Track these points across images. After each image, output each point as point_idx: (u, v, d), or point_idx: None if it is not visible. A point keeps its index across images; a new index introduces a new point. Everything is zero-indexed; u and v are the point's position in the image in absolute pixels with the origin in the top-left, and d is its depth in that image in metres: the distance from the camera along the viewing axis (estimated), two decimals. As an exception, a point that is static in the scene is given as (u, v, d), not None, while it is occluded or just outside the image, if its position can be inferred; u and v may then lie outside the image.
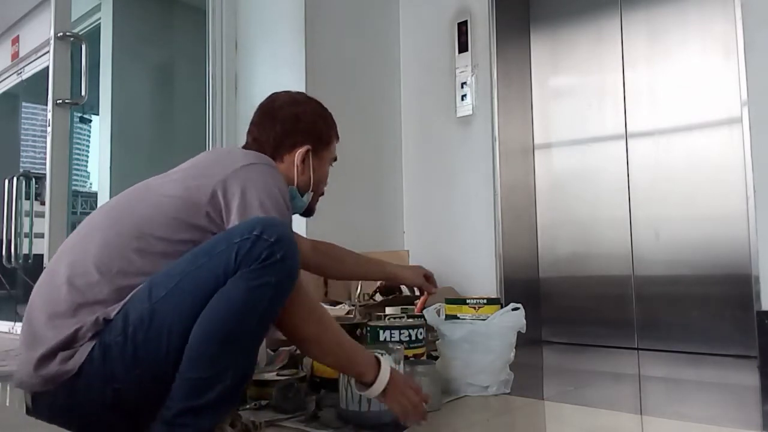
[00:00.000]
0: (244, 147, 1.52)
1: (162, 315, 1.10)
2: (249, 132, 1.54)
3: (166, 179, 1.33)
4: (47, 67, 2.63)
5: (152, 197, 1.27)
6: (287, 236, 1.16)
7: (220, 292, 1.10)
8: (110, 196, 3.91)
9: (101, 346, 1.11)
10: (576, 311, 2.95)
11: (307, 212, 1.62)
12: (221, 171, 1.27)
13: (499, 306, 1.96)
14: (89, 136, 6.10)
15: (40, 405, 1.16)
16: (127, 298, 1.14)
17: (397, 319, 1.95)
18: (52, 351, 1.11)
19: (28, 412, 1.17)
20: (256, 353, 1.21)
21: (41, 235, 3.96)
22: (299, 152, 1.50)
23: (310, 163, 1.52)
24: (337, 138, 1.62)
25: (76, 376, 1.10)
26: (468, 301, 2.04)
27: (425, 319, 1.83)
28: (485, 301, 2.02)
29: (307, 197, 1.56)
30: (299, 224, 2.72)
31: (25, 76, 4.61)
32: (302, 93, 1.64)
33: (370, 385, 1.27)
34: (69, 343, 1.11)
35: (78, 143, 6.39)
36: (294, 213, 1.47)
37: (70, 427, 1.18)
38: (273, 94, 1.60)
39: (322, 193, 1.63)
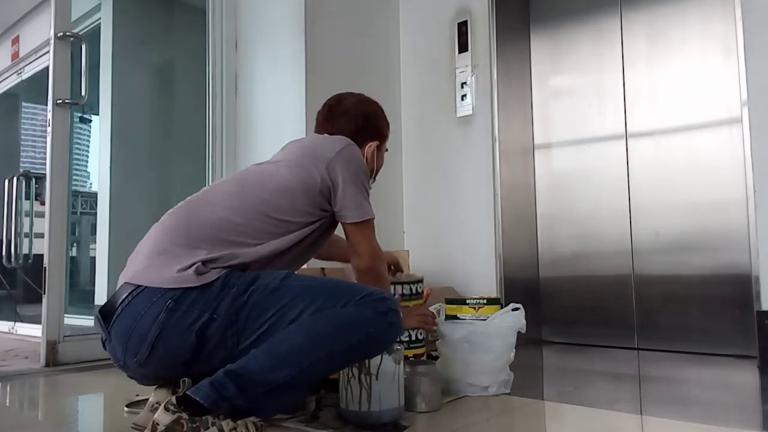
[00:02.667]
0: None
1: (282, 297, 1.30)
2: (321, 126, 1.75)
3: (278, 166, 1.54)
4: (47, 67, 2.63)
5: (271, 183, 1.48)
6: (397, 313, 1.38)
7: (342, 309, 1.30)
8: (110, 196, 3.93)
9: (225, 279, 1.31)
10: (576, 311, 2.95)
11: None
12: (325, 155, 1.52)
13: (499, 306, 1.96)
14: (89, 136, 6.09)
15: (136, 298, 1.31)
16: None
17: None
18: (192, 263, 1.31)
19: (118, 304, 1.32)
20: (327, 372, 1.38)
21: (41, 235, 3.96)
22: (369, 147, 1.73)
23: (375, 155, 1.74)
24: (389, 133, 1.85)
25: (195, 289, 1.28)
26: (468, 301, 2.04)
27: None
28: (485, 301, 2.02)
29: (371, 184, 1.71)
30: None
31: (25, 76, 4.61)
32: (363, 95, 1.83)
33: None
34: (207, 262, 1.32)
35: (78, 143, 6.38)
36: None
37: (140, 346, 1.29)
38: (338, 95, 1.80)
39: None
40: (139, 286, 1.31)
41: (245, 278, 1.32)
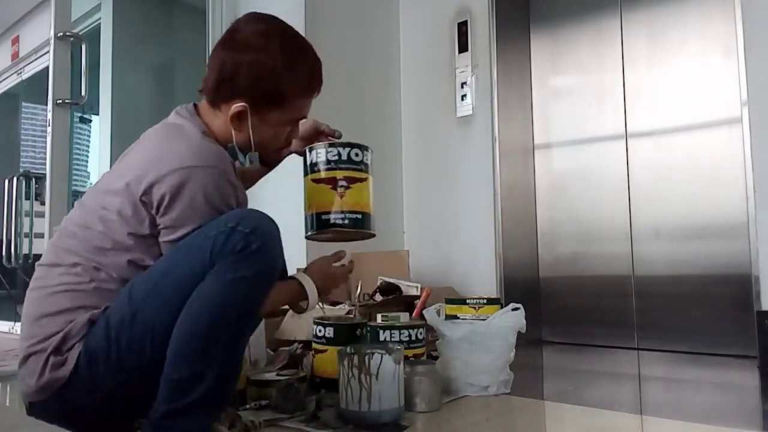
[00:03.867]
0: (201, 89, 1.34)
1: (143, 317, 1.08)
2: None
3: (110, 186, 1.22)
4: (47, 67, 2.63)
5: (97, 216, 1.18)
6: (266, 226, 1.14)
7: (197, 289, 1.07)
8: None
9: (87, 352, 1.08)
10: (576, 311, 2.95)
11: (265, 164, 1.46)
12: (154, 173, 1.15)
13: (499, 306, 1.96)
14: (89, 136, 6.10)
15: (36, 410, 1.16)
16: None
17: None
18: (46, 357, 1.09)
19: (29, 413, 1.17)
20: (240, 350, 1.17)
21: (41, 235, 3.96)
22: (234, 108, 1.27)
23: (248, 122, 1.28)
24: (311, 94, 1.38)
25: (66, 385, 1.08)
26: (468, 301, 2.04)
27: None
28: (485, 301, 2.02)
29: (251, 157, 1.34)
30: (296, 213, 2.72)
31: (25, 76, 4.61)
32: (274, 24, 1.38)
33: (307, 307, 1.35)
34: (59, 348, 1.09)
35: (78, 143, 6.38)
36: (243, 166, 1.33)
37: (69, 428, 1.18)
38: (247, 16, 1.36)
39: (285, 148, 1.44)
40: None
41: (99, 332, 1.09)
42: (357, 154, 1.46)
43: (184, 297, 1.08)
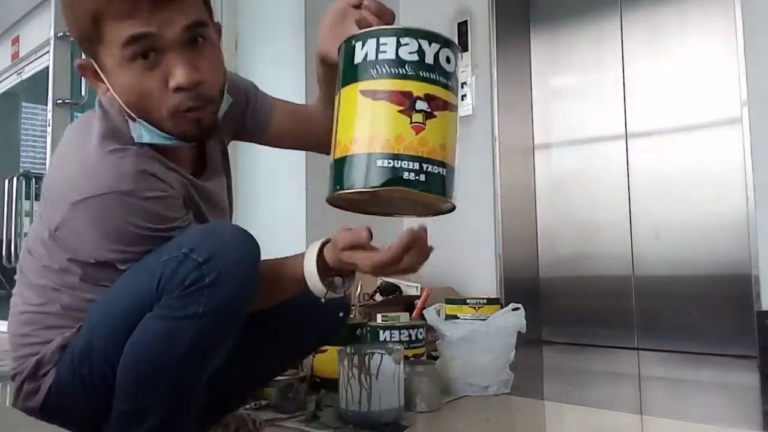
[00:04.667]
0: None
1: (97, 345, 0.97)
2: None
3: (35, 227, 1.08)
4: (47, 67, 2.64)
5: (39, 239, 1.04)
6: (228, 252, 0.91)
7: (143, 320, 0.93)
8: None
9: (57, 379, 1.01)
10: (576, 311, 2.95)
11: (187, 139, 0.99)
12: (54, 212, 0.96)
13: (499, 306, 1.96)
14: (89, 136, 6.09)
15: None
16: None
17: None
18: (21, 382, 1.04)
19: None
20: (193, 389, 0.99)
21: (41, 235, 3.97)
22: (77, 70, 1.01)
23: (102, 80, 0.96)
24: (121, 11, 0.88)
25: (42, 410, 1.03)
26: (468, 301, 2.04)
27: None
28: (485, 301, 2.02)
29: (144, 127, 0.96)
30: (298, 217, 2.72)
31: (25, 76, 4.61)
32: None
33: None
34: (34, 375, 1.02)
35: (78, 143, 6.40)
36: (168, 144, 0.98)
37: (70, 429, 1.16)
38: None
39: (191, 105, 0.93)
40: None
41: (66, 361, 1.01)
42: (449, 60, 0.83)
43: (133, 326, 0.94)
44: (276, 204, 2.87)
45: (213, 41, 0.98)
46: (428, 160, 0.79)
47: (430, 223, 0.99)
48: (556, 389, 2.04)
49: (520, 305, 1.79)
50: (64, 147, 1.01)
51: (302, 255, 1.00)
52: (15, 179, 4.21)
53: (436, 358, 1.82)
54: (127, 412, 0.97)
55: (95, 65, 0.95)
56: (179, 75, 0.91)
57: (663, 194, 2.70)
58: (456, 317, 1.99)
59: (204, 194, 1.07)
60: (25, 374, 1.02)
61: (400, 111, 0.79)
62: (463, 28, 3.08)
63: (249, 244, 0.94)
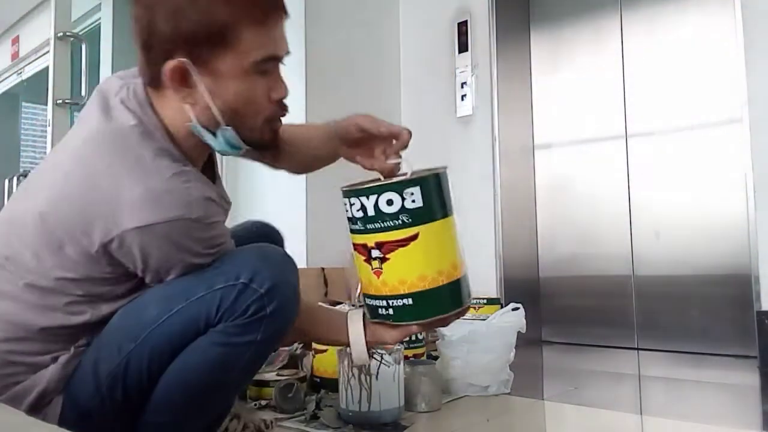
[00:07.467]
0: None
1: (137, 367, 0.96)
2: None
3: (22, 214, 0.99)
4: (47, 67, 2.64)
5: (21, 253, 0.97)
6: (284, 281, 0.97)
7: (196, 343, 0.95)
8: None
9: (74, 407, 0.97)
10: (576, 311, 2.94)
11: (259, 146, 1.06)
12: (102, 227, 0.91)
13: (499, 306, 1.96)
14: (89, 136, 6.09)
15: None
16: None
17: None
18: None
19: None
20: (231, 401, 1.13)
21: (41, 235, 3.95)
22: (168, 69, 0.95)
23: (197, 84, 0.94)
24: (265, 16, 0.97)
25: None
26: (468, 301, 2.03)
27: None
28: (485, 301, 2.02)
29: (224, 135, 0.99)
30: (297, 212, 2.71)
31: (25, 76, 4.61)
32: None
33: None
34: (36, 406, 0.98)
35: (78, 143, 6.39)
36: (230, 154, 1.04)
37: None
38: None
39: (281, 114, 1.03)
40: None
41: (87, 385, 0.99)
42: (390, 202, 0.94)
43: (181, 348, 0.96)
44: (276, 203, 2.87)
45: None
46: (392, 297, 0.99)
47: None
48: (556, 389, 2.04)
49: (520, 305, 1.79)
50: (96, 163, 0.94)
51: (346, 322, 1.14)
52: (15, 179, 4.21)
53: (436, 358, 1.82)
54: (155, 425, 1.00)
55: (191, 69, 0.94)
56: (283, 89, 1.02)
57: (663, 194, 2.70)
58: (456, 317, 1.99)
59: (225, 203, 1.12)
60: (26, 407, 0.97)
61: (364, 260, 1.00)
62: (463, 28, 3.08)
63: (296, 271, 1.03)
